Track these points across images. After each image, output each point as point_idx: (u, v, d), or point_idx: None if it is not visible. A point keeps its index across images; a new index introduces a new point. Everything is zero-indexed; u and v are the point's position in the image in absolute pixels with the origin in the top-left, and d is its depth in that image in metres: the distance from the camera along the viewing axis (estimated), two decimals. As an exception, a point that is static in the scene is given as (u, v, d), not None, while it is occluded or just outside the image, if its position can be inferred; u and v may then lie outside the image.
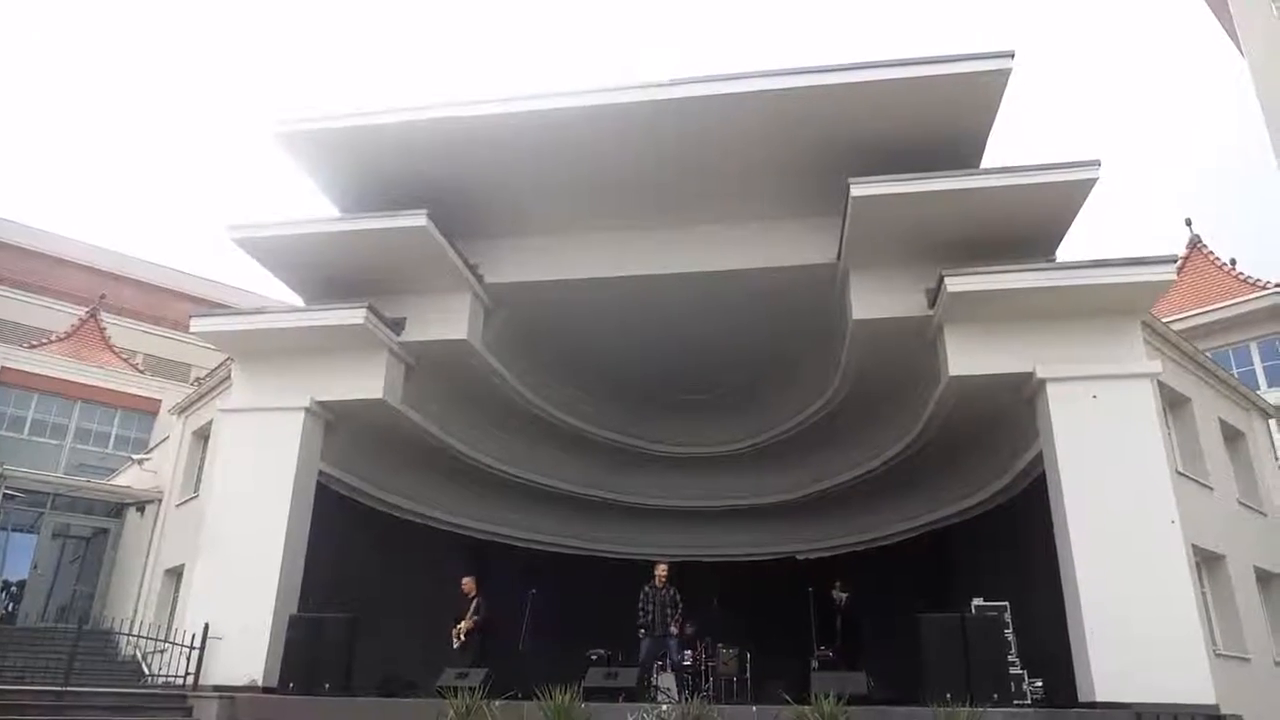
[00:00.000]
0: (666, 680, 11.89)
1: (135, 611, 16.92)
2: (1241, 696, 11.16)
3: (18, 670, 11.60)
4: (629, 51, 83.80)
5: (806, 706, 8.11)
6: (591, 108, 10.82)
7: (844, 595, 12.53)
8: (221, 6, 73.92)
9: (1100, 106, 78.41)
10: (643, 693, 10.65)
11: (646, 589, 12.07)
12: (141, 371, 27.66)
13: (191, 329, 12.47)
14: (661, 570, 12.22)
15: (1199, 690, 8.85)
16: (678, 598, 12.04)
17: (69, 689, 10.34)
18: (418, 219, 11.33)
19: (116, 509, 20.68)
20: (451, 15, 79.35)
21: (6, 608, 19.59)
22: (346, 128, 11.44)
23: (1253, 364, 20.78)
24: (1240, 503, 15.54)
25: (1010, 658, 10.20)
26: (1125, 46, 76.25)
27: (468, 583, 12.14)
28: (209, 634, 10.82)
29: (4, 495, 19.25)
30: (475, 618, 11.74)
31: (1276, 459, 17.31)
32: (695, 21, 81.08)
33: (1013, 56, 9.87)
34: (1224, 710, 8.89)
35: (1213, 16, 10.89)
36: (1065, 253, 11.26)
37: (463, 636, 11.63)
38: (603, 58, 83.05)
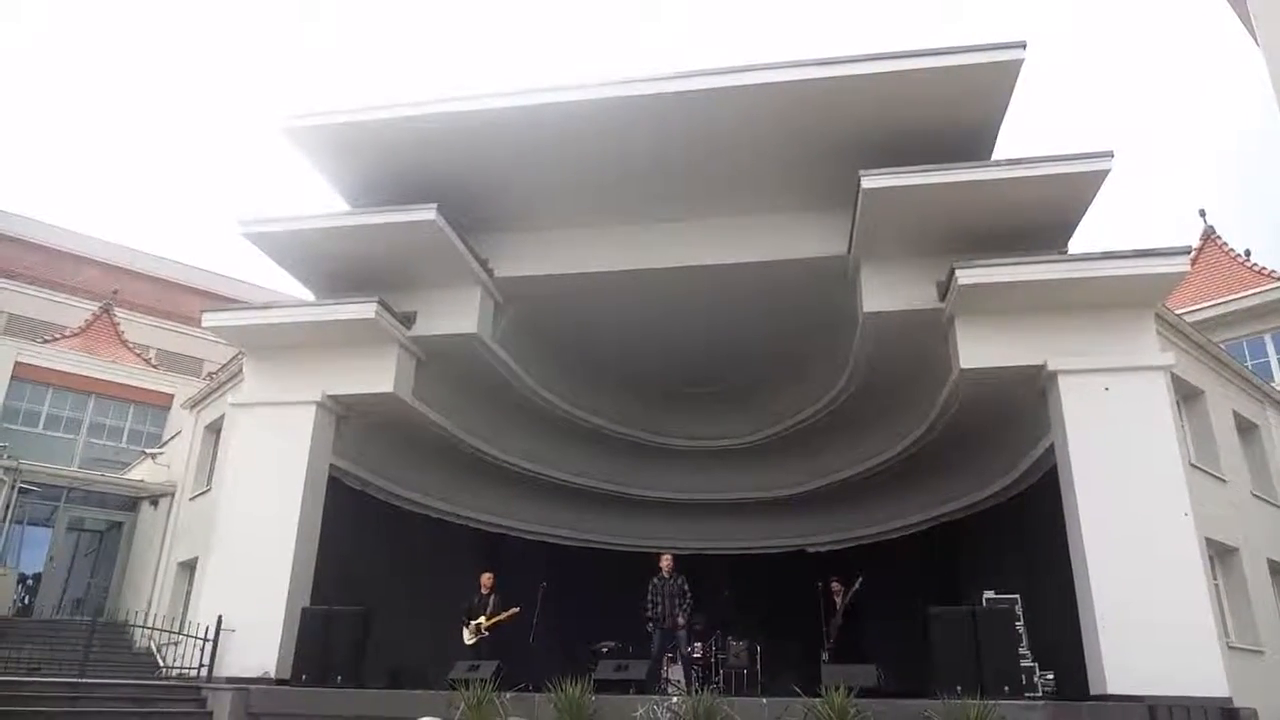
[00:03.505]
0: (676, 672, 11.91)
1: (149, 604, 17.08)
2: (1255, 689, 11.11)
3: (33, 662, 11.71)
4: (631, 45, 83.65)
5: (817, 699, 8.12)
6: (601, 101, 10.79)
7: (842, 588, 12.45)
8: (228, 4, 74.13)
9: (1113, 96, 77.86)
10: (653, 685, 10.67)
11: (655, 581, 11.98)
12: (154, 366, 27.86)
13: (203, 324, 12.53)
14: (666, 561, 12.12)
15: (1212, 683, 8.80)
16: (685, 587, 11.87)
17: (84, 681, 10.45)
18: (427, 213, 11.33)
19: (130, 503, 20.86)
20: (456, 9, 79.35)
21: (22, 600, 19.80)
22: (355, 122, 11.45)
23: (1267, 356, 20.62)
24: (1254, 495, 15.47)
25: (1021, 650, 10.18)
26: (1137, 35, 75.63)
27: (486, 579, 12.03)
28: (222, 626, 10.89)
29: (19, 489, 19.44)
30: (506, 612, 11.68)
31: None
32: (696, 16, 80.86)
33: (1025, 47, 9.78)
34: (1237, 703, 8.84)
35: (1226, 4, 10.75)
36: (1077, 244, 11.21)
37: (484, 631, 11.57)
38: (604, 52, 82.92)
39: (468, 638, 11.62)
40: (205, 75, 77.29)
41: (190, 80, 76.71)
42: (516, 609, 11.83)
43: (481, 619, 11.64)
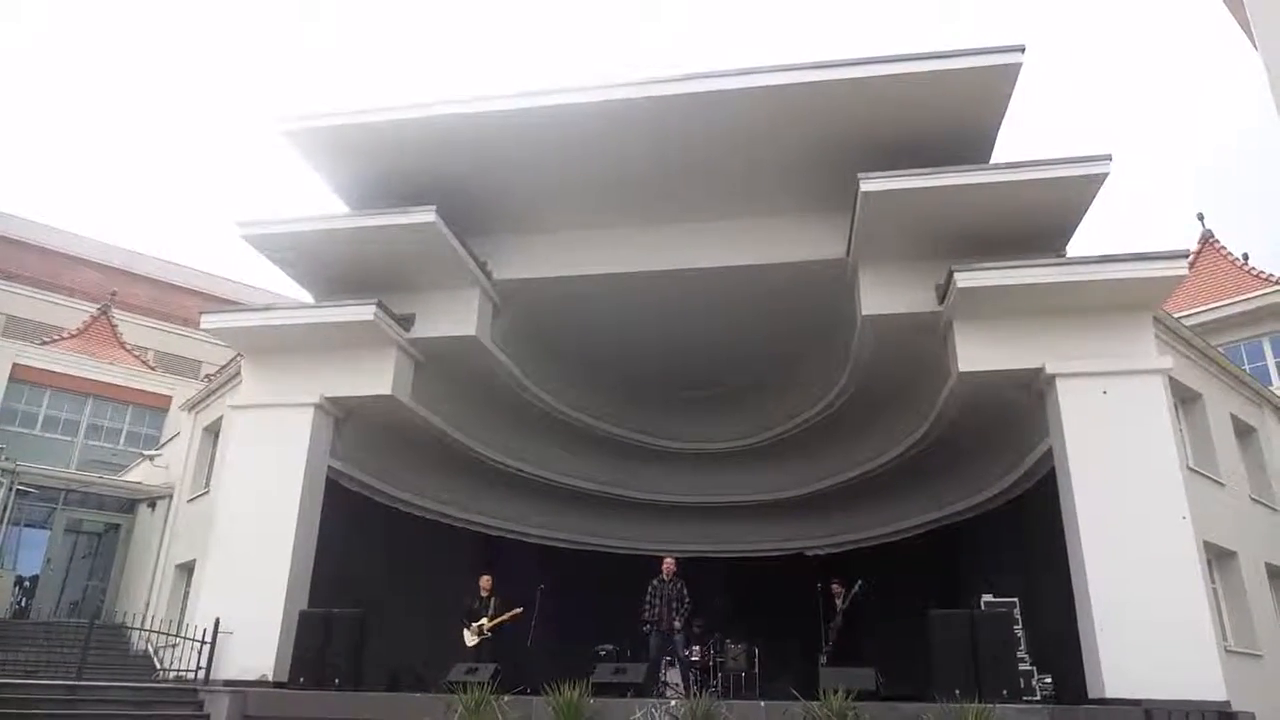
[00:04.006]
0: (674, 676, 11.89)
1: (147, 606, 17.04)
2: (1253, 693, 11.13)
3: (30, 665, 11.68)
4: (631, 45, 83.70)
5: (815, 702, 8.11)
6: (600, 103, 10.80)
7: (842, 590, 12.41)
8: (228, 3, 74.14)
9: (1111, 99, 77.98)
10: (651, 688, 10.66)
11: (654, 583, 12.02)
12: (152, 368, 27.82)
13: (202, 325, 12.52)
14: (669, 564, 12.16)
15: (1210, 687, 8.80)
16: (684, 591, 11.92)
17: (81, 683, 10.41)
18: (426, 215, 11.33)
19: (128, 505, 20.84)
20: (456, 9, 79.39)
21: (20, 603, 19.76)
22: (354, 124, 11.45)
23: (1265, 359, 20.66)
24: (1252, 499, 15.49)
25: (1020, 654, 10.18)
26: (1136, 38, 75.77)
27: (485, 581, 12.09)
28: (220, 629, 10.87)
29: (17, 491, 19.41)
30: (509, 612, 11.72)
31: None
32: (696, 16, 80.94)
33: (1023, 50, 9.80)
34: (1235, 707, 8.84)
35: (1224, 8, 10.76)
36: (1076, 248, 11.22)
37: (486, 632, 11.61)
38: (604, 53, 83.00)
39: (469, 640, 11.64)
40: (205, 76, 77.36)
41: (190, 80, 76.77)
42: (519, 609, 11.88)
43: (484, 620, 11.66)
